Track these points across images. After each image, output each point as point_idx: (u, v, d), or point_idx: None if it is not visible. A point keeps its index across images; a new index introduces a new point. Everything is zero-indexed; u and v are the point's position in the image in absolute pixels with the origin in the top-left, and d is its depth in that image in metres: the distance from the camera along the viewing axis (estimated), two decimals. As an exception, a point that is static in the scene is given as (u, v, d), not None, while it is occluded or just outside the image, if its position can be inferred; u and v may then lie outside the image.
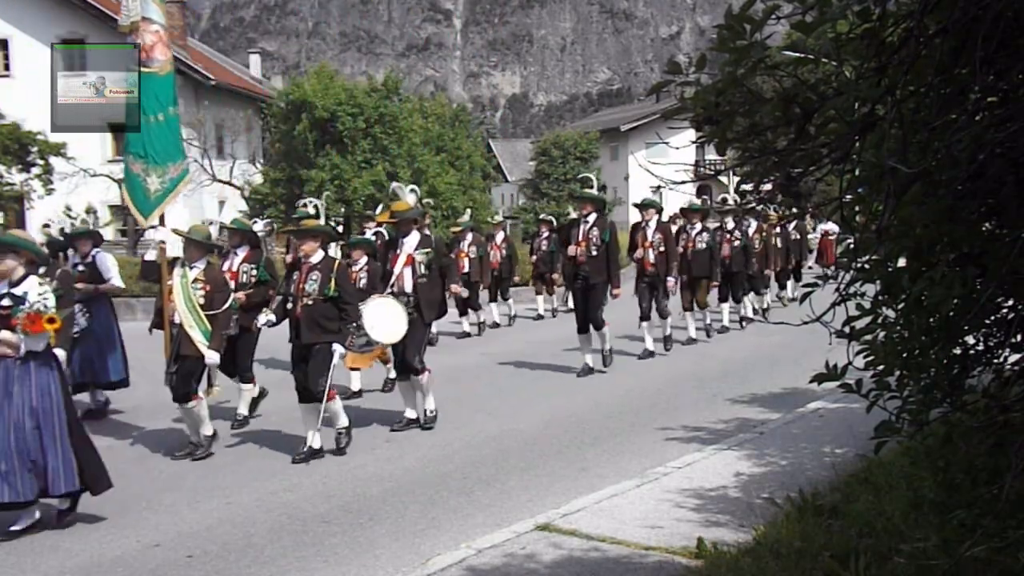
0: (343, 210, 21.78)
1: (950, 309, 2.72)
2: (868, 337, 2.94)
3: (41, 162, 23.02)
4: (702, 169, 41.83)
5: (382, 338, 7.73)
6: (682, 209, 13.57)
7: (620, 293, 10.19)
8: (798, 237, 17.79)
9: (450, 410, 8.72)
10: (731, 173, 3.57)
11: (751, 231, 14.36)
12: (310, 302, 7.02)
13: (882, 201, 2.63)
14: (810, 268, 25.87)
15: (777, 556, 4.18)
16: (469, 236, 14.41)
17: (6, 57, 29.44)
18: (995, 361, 3.08)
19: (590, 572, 4.45)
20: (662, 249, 11.28)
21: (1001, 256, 2.56)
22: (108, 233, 24.46)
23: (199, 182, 25.52)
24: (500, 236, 15.69)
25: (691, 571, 4.38)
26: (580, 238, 10.15)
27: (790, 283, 17.54)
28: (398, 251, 8.07)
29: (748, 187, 2.78)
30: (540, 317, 16.28)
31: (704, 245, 12.48)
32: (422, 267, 7.98)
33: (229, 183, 25.40)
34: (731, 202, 14.46)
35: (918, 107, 2.60)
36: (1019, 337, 3.03)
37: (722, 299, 13.71)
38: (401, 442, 7.57)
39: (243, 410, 8.47)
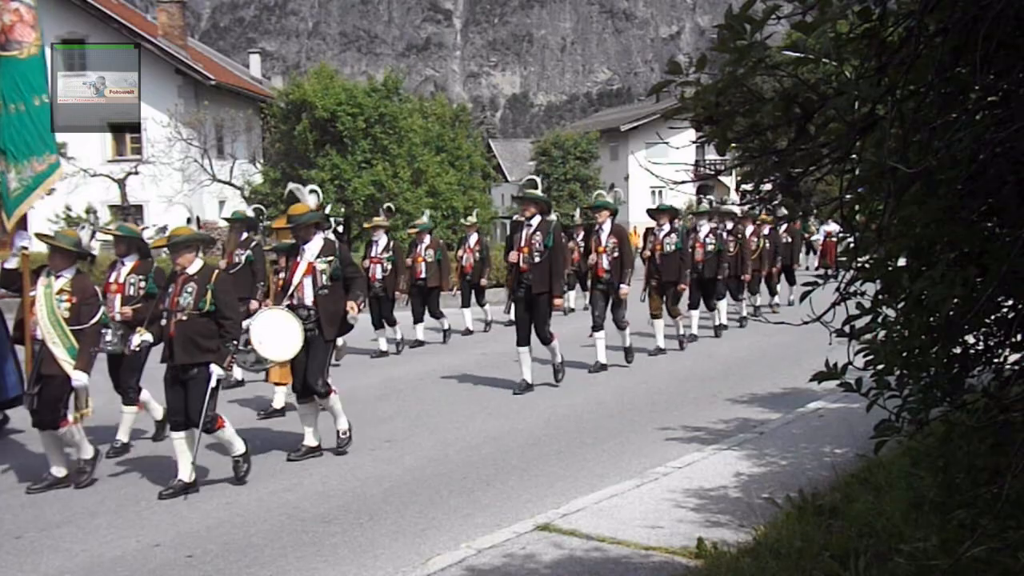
0: (343, 210, 21.79)
1: (950, 308, 2.72)
2: (868, 336, 2.94)
3: (41, 162, 22.98)
4: (702, 169, 41.85)
5: (271, 355, 6.90)
6: (649, 210, 12.85)
7: (562, 303, 9.42)
8: (789, 240, 17.22)
9: (450, 410, 8.73)
10: (731, 173, 3.58)
11: (726, 234, 13.80)
12: (184, 317, 6.26)
13: (882, 201, 2.64)
14: (817, 270, 25.92)
15: (777, 556, 4.18)
16: (427, 239, 13.38)
17: (6, 57, 29.41)
18: (995, 361, 3.08)
19: (590, 572, 4.45)
20: (616, 255, 10.48)
21: (1001, 256, 2.56)
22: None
23: (199, 182, 25.58)
24: (473, 239, 14.68)
25: (691, 571, 4.38)
26: (523, 243, 9.31)
27: (784, 287, 17.00)
28: (298, 258, 7.24)
29: (748, 187, 2.78)
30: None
31: (673, 247, 11.61)
32: (324, 277, 7.15)
33: (229, 183, 25.40)
34: (706, 203, 14.14)
35: (918, 107, 2.60)
36: (1019, 336, 3.04)
37: (692, 305, 13.09)
38: (401, 442, 7.57)
39: (122, 436, 7.52)
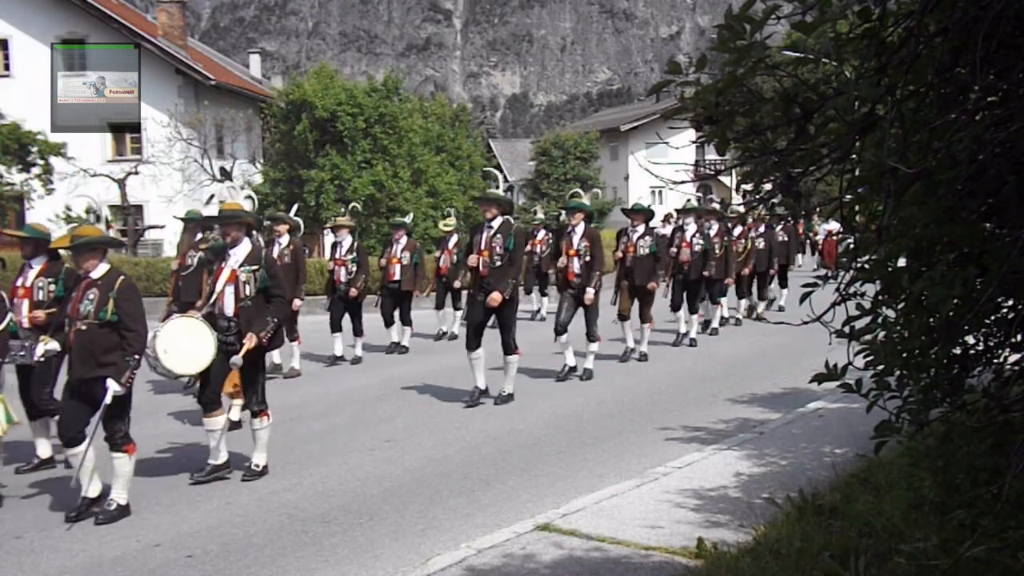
0: (343, 210, 21.79)
1: (950, 309, 2.72)
2: (868, 337, 2.94)
3: (41, 162, 23.01)
4: (702, 169, 41.85)
5: (177, 367, 6.25)
6: (623, 209, 12.26)
7: (498, 299, 8.49)
8: (785, 239, 16.39)
9: (450, 410, 8.73)
10: (731, 173, 3.58)
11: (712, 233, 13.17)
12: (83, 327, 5.74)
13: (882, 201, 2.64)
14: (816, 269, 25.88)
15: (777, 556, 4.18)
16: (404, 239, 12.68)
17: (6, 57, 29.43)
18: (995, 361, 3.08)
19: (590, 572, 4.45)
20: (588, 259, 9.93)
21: (1001, 256, 2.56)
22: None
23: (199, 182, 25.57)
24: (453, 241, 13.86)
25: (691, 571, 4.38)
26: (482, 246, 8.70)
27: (777, 289, 16.39)
28: (223, 264, 6.64)
29: (748, 187, 2.78)
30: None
31: (647, 250, 11.01)
32: (248, 288, 6.51)
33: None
34: (692, 202, 13.56)
35: (918, 107, 2.60)
36: (1019, 337, 3.04)
37: (674, 307, 12.56)
38: (401, 442, 7.57)
39: (42, 452, 7.12)
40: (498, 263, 8.62)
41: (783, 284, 16.40)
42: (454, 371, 10.73)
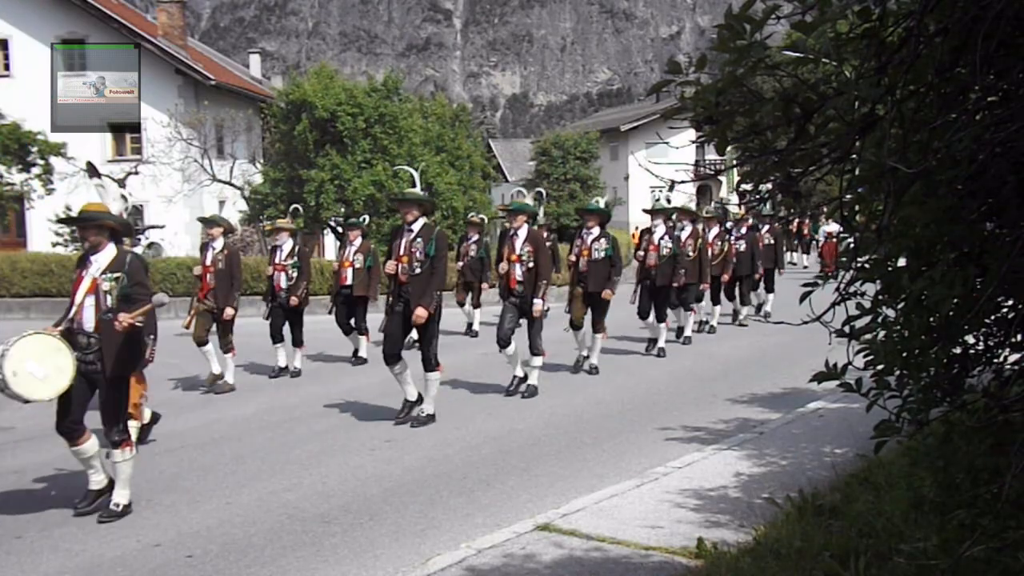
0: (343, 210, 21.78)
1: (950, 308, 2.72)
2: (868, 337, 2.94)
3: (41, 162, 23.00)
4: (702, 169, 41.85)
5: (29, 392, 5.50)
6: (577, 210, 11.57)
7: (424, 316, 7.75)
8: (771, 242, 15.47)
9: (450, 410, 8.72)
10: (731, 173, 3.58)
11: (684, 236, 12.42)
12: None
13: (882, 201, 2.64)
14: (813, 270, 25.86)
15: (777, 556, 4.18)
16: (358, 241, 11.77)
17: (6, 57, 29.43)
18: (995, 361, 3.08)
19: (590, 572, 4.45)
20: (532, 265, 9.16)
21: (1001, 256, 2.57)
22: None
23: (199, 182, 25.57)
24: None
25: (691, 571, 4.38)
26: (401, 251, 7.99)
27: (763, 295, 15.56)
28: (83, 271, 5.93)
29: (748, 187, 2.78)
30: (471, 330, 14.37)
31: (603, 254, 10.23)
32: (109, 298, 5.77)
33: (229, 183, 25.40)
34: (663, 201, 12.41)
35: (918, 107, 2.60)
36: (1019, 336, 3.04)
37: (642, 315, 11.70)
38: (401, 442, 7.57)
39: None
40: (418, 270, 7.87)
41: (769, 289, 15.53)
42: (454, 371, 10.73)
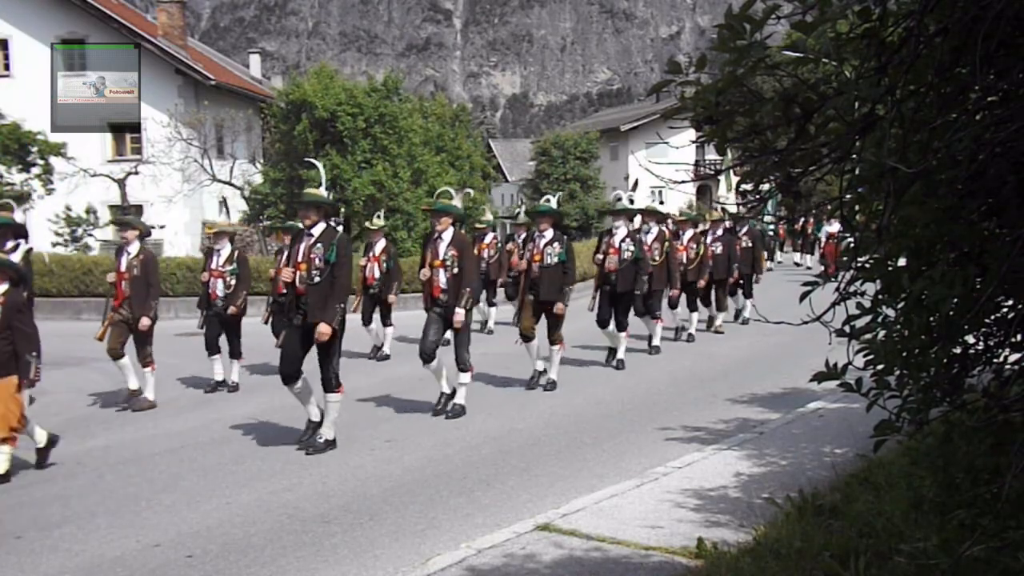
0: (343, 210, 21.76)
1: (950, 308, 2.72)
2: (868, 336, 2.94)
3: (41, 162, 23.01)
4: (702, 169, 41.84)
5: None
6: (528, 212, 10.94)
7: (328, 333, 7.07)
8: (749, 245, 14.56)
9: (450, 410, 8.72)
10: (731, 173, 3.58)
11: (650, 239, 11.57)
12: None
13: (882, 201, 2.64)
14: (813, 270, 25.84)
15: (777, 556, 4.18)
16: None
17: (6, 57, 29.44)
18: (995, 360, 3.08)
19: (590, 572, 4.45)
20: (456, 271, 8.35)
21: (1001, 255, 2.56)
22: (108, 233, 24.46)
23: (199, 182, 25.57)
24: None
25: (691, 571, 4.38)
26: (299, 258, 7.30)
27: (741, 300, 14.71)
28: None
29: (748, 187, 2.78)
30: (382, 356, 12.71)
31: (556, 259, 9.39)
32: None
33: (229, 183, 25.40)
34: (625, 201, 11.44)
35: (918, 107, 2.60)
36: (1019, 336, 3.04)
37: (601, 323, 10.80)
38: (401, 442, 7.57)
39: None
40: (316, 279, 7.15)
41: (747, 294, 14.63)
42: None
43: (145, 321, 9.14)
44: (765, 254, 18.36)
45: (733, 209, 13.45)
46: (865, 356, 2.97)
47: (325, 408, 7.41)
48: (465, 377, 8.56)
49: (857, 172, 2.70)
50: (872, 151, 2.58)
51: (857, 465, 5.76)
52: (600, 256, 10.81)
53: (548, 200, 10.32)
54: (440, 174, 23.31)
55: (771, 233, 27.04)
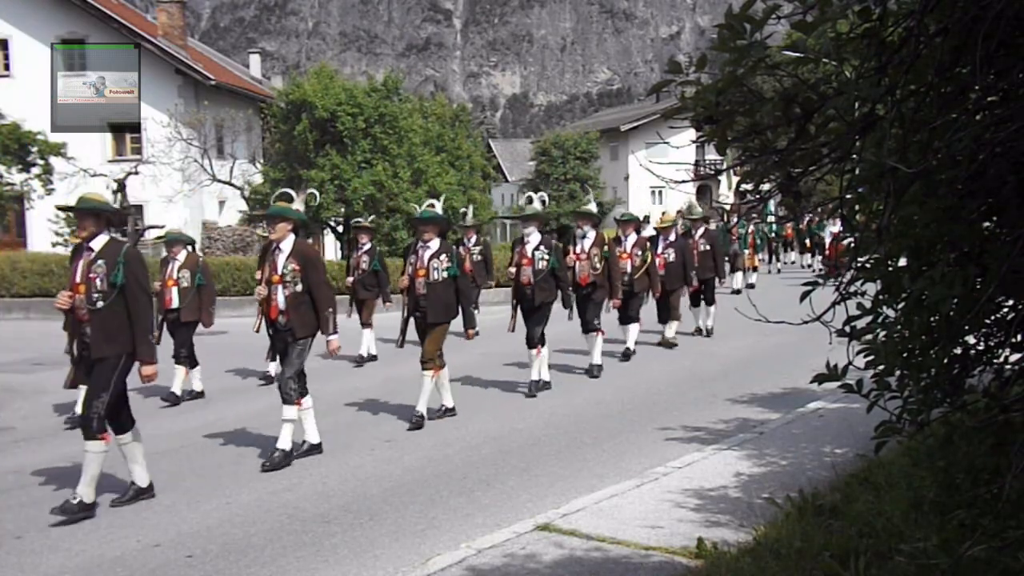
0: (343, 210, 21.78)
1: (950, 308, 2.72)
2: (869, 337, 2.94)
3: (41, 162, 23.02)
4: (702, 169, 41.89)
5: None
6: (413, 219, 9.17)
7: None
8: (707, 248, 13.24)
9: (450, 410, 8.72)
10: (731, 172, 3.58)
11: (587, 244, 10.25)
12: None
13: (882, 201, 2.63)
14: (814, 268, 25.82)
15: (777, 556, 4.18)
16: (182, 256, 10.00)
17: (6, 57, 29.45)
18: (995, 361, 3.08)
19: (590, 572, 4.45)
20: (299, 288, 7.04)
21: (1001, 256, 2.56)
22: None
23: (199, 182, 25.57)
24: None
25: (691, 571, 4.38)
26: (77, 278, 5.97)
27: (704, 309, 13.37)
28: None
29: (748, 187, 2.78)
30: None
31: (445, 274, 8.15)
32: None
33: (229, 183, 25.41)
34: (537, 203, 9.82)
35: (918, 107, 2.60)
36: (1019, 337, 3.03)
37: (530, 344, 9.43)
38: (401, 442, 7.57)
39: None
40: (99, 304, 5.84)
41: (709, 302, 13.33)
42: (454, 371, 10.73)
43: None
44: (727, 257, 16.65)
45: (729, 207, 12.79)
46: (866, 356, 2.97)
47: (85, 460, 5.96)
48: (290, 412, 7.08)
49: (857, 172, 2.70)
50: (872, 151, 2.58)
51: (857, 465, 5.75)
52: (513, 269, 9.53)
53: (531, 201, 9.60)
54: (440, 174, 23.31)
55: (774, 234, 26.92)
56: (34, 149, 22.78)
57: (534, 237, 9.45)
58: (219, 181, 25.43)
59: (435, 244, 8.24)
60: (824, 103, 2.52)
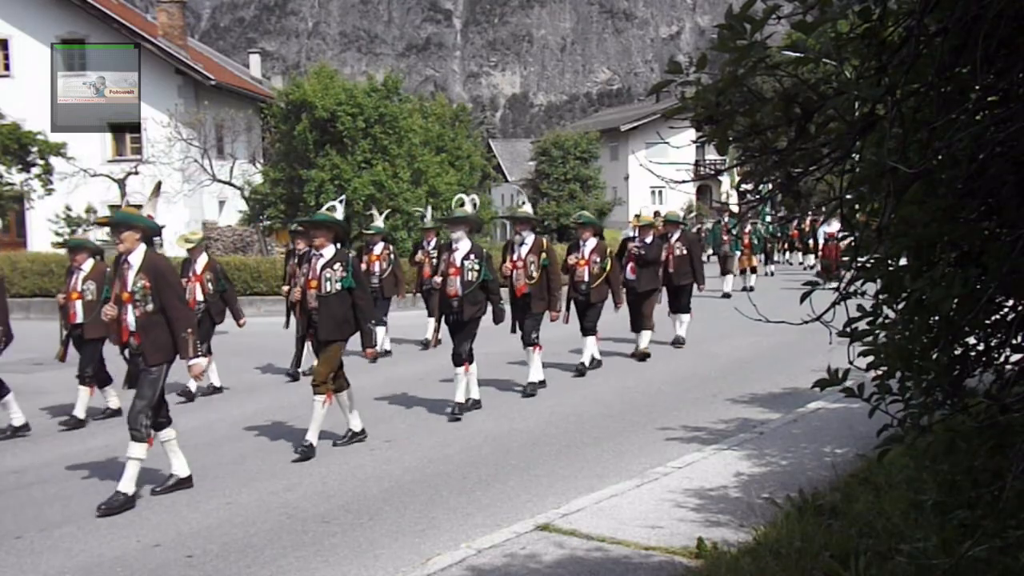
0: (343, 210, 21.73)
1: (951, 309, 2.71)
2: (870, 338, 2.94)
3: (41, 162, 23.03)
4: (702, 169, 41.90)
5: None
6: (301, 222, 9.36)
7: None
8: (684, 252, 12.36)
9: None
10: (731, 173, 3.58)
11: (524, 251, 9.45)
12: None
13: (882, 201, 2.63)
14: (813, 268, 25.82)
15: (777, 556, 4.18)
16: (87, 265, 8.66)
17: (6, 57, 29.47)
18: (996, 361, 3.07)
19: (590, 572, 4.45)
20: (150, 308, 6.22)
21: (1001, 256, 2.56)
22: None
23: (199, 182, 25.57)
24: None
25: (691, 571, 4.38)
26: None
27: (678, 318, 12.58)
28: None
29: (748, 187, 2.78)
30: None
31: (338, 285, 7.31)
32: None
33: (229, 183, 25.41)
34: (469, 206, 8.88)
35: (918, 107, 2.60)
36: (1020, 337, 3.03)
37: (456, 361, 8.62)
38: (401, 442, 7.57)
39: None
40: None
41: (684, 308, 12.64)
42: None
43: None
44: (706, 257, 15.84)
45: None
46: (866, 358, 2.97)
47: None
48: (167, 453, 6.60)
49: (857, 172, 2.70)
50: (872, 151, 2.58)
51: (857, 465, 5.76)
52: (439, 279, 8.83)
53: (462, 203, 8.80)
54: (440, 174, 23.31)
55: (777, 235, 26.91)
56: (34, 149, 22.79)
57: (463, 244, 8.58)
58: (219, 181, 25.42)
59: (328, 252, 7.38)
60: (824, 103, 2.52)
